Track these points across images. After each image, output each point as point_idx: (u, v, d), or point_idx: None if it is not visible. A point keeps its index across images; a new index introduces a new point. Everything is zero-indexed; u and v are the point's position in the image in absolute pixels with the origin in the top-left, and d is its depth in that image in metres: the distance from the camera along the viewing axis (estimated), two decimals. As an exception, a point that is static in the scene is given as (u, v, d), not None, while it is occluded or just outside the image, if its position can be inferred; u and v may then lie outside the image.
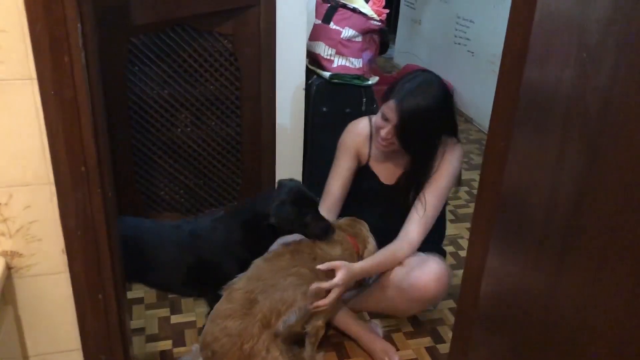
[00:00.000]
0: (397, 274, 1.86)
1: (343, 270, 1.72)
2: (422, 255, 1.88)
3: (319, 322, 1.75)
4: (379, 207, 2.00)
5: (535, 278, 1.07)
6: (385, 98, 1.79)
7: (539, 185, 1.05)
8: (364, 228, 1.93)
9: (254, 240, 1.82)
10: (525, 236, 1.11)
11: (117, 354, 1.30)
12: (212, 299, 1.75)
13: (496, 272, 1.25)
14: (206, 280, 1.83)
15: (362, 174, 2.01)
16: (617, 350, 0.86)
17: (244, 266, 1.75)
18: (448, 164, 1.89)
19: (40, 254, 1.18)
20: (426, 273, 1.79)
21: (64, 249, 1.17)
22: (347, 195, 2.02)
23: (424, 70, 1.94)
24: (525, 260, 1.12)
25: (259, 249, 1.81)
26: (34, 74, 1.04)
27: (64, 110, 1.07)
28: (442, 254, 2.04)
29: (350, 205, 2.02)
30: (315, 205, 1.82)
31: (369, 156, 1.99)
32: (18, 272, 1.18)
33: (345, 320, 2.00)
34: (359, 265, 1.81)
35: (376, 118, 1.84)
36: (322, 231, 1.79)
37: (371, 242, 1.90)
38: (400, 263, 1.87)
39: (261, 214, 1.76)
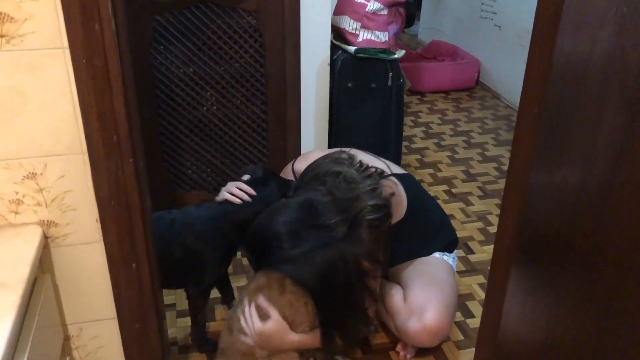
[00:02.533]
0: (398, 313, 1.77)
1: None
2: (428, 287, 1.76)
3: None
4: None
5: (570, 252, 1.06)
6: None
7: (574, 149, 1.04)
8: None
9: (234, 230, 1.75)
10: (558, 212, 1.09)
11: (151, 323, 1.32)
12: (195, 292, 1.76)
13: (526, 253, 1.24)
14: (190, 272, 1.74)
15: None
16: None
17: (225, 256, 1.77)
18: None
19: (75, 223, 1.20)
20: (422, 328, 1.69)
21: (98, 218, 1.19)
22: None
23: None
24: (560, 227, 1.10)
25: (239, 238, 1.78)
26: (65, 43, 1.05)
27: (95, 78, 1.08)
28: (450, 249, 1.99)
29: None
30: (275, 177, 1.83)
31: None
32: (54, 242, 1.20)
33: None
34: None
35: None
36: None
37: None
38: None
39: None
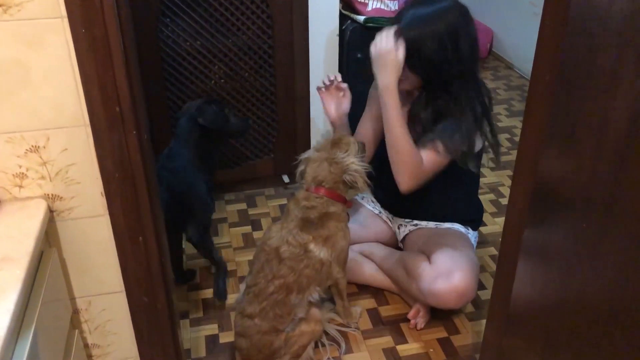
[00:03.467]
0: (423, 275, 1.76)
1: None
2: (453, 253, 1.76)
3: (338, 275, 1.71)
4: None
5: (583, 220, 1.03)
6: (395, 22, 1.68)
7: (589, 115, 0.99)
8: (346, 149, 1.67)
9: (204, 153, 1.92)
10: (571, 174, 1.06)
11: (160, 297, 1.31)
12: (195, 234, 1.85)
13: (537, 221, 1.21)
14: (184, 212, 1.83)
15: None
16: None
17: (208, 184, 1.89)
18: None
19: (80, 196, 1.18)
20: (450, 287, 1.69)
21: (103, 192, 1.17)
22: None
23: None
24: (572, 203, 1.07)
25: (213, 161, 1.98)
26: (64, 12, 1.02)
27: (96, 49, 1.05)
28: (475, 226, 1.98)
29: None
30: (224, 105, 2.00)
31: None
32: (60, 215, 1.19)
33: (372, 274, 2.00)
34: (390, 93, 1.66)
35: None
36: (242, 123, 2.04)
37: (357, 179, 1.64)
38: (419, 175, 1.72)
39: (193, 122, 1.89)
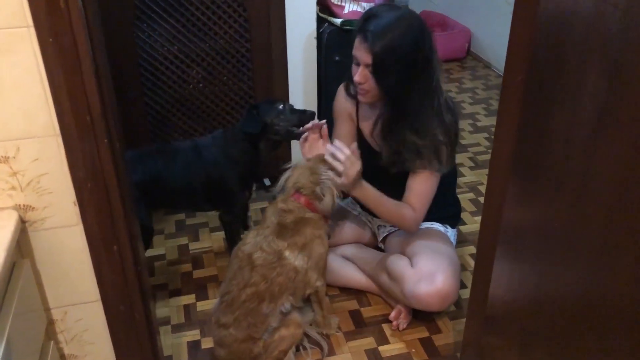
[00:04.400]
0: (406, 278, 1.75)
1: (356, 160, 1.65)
2: (434, 254, 1.77)
3: (317, 282, 1.68)
4: (373, 175, 1.78)
5: (554, 214, 1.04)
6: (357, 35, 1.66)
7: (559, 113, 1.00)
8: (319, 174, 1.65)
9: (249, 153, 1.96)
10: (544, 170, 1.07)
11: (137, 304, 1.30)
12: (225, 212, 2.05)
13: (513, 219, 1.22)
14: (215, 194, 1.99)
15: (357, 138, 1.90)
16: None
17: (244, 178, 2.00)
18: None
19: (52, 206, 1.17)
20: (433, 290, 1.69)
21: (76, 201, 1.16)
22: None
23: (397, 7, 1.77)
24: (544, 196, 1.08)
25: (257, 161, 1.99)
26: (30, 21, 1.00)
27: (64, 57, 1.03)
28: (453, 223, 2.00)
29: None
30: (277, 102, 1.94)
31: (358, 117, 1.89)
32: (32, 226, 1.17)
33: (353, 277, 1.99)
34: (368, 185, 1.72)
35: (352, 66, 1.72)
36: (299, 115, 1.92)
37: (326, 193, 1.63)
38: (404, 223, 1.79)
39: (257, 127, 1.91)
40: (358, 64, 1.66)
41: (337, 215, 2.05)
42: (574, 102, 0.95)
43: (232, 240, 2.05)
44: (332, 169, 1.63)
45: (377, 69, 1.62)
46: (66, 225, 1.19)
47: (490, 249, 1.33)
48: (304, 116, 1.91)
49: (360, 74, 1.66)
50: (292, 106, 1.95)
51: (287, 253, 1.59)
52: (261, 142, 1.94)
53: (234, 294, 1.58)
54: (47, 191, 1.15)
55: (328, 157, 1.63)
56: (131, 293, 1.28)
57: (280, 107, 1.91)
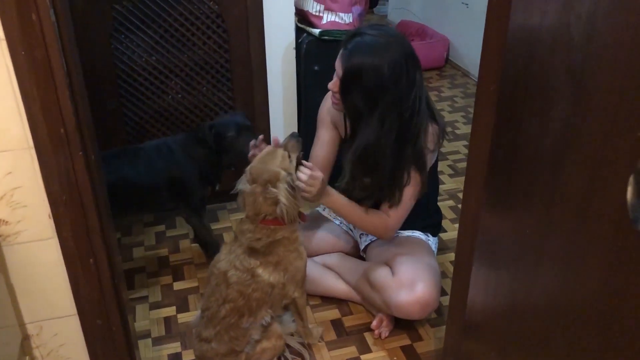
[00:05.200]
0: (386, 287, 1.76)
1: (321, 181, 1.63)
2: (415, 263, 1.77)
3: (295, 294, 1.66)
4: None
5: (526, 221, 1.05)
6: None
7: (528, 122, 1.02)
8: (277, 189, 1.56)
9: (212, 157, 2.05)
10: (516, 178, 1.08)
11: (114, 318, 1.29)
12: (190, 212, 2.12)
13: (489, 226, 1.23)
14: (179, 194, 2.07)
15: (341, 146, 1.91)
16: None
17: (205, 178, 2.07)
18: (426, 143, 1.71)
19: (26, 220, 1.15)
20: (413, 298, 1.70)
21: (50, 214, 1.15)
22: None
23: (391, 30, 1.75)
24: (517, 204, 1.10)
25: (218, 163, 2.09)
26: (1, 34, 1.00)
27: (37, 70, 1.03)
28: (434, 232, 2.01)
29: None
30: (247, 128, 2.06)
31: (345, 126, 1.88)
32: (6, 240, 1.16)
33: (335, 286, 1.99)
34: (335, 194, 1.73)
35: None
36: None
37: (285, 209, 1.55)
38: (383, 233, 1.81)
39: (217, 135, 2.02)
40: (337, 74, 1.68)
41: (318, 225, 2.05)
42: (542, 112, 0.96)
43: (205, 240, 2.18)
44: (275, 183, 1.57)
45: (343, 85, 1.64)
46: (41, 238, 1.17)
47: (467, 256, 1.34)
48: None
49: (333, 83, 1.69)
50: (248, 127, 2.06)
51: (260, 270, 1.57)
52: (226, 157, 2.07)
53: (214, 310, 1.57)
54: (20, 205, 1.14)
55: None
56: (108, 307, 1.26)
57: (232, 134, 2.02)
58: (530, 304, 1.06)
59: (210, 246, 2.20)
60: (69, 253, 1.18)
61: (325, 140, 1.91)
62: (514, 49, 1.06)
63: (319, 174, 1.62)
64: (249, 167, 1.60)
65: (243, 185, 1.60)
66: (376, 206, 1.80)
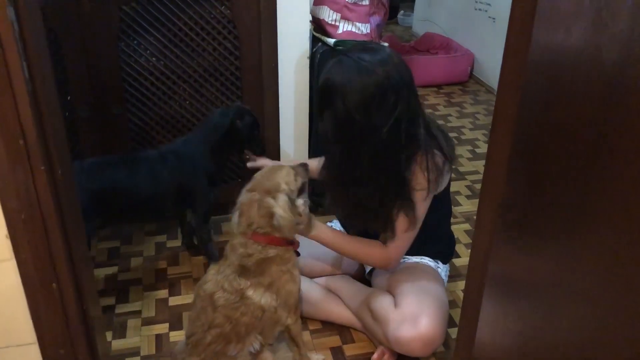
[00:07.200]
0: (388, 319, 1.59)
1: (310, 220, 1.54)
2: (420, 295, 1.60)
3: (288, 321, 1.51)
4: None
5: (541, 261, 0.89)
6: None
7: (551, 148, 0.85)
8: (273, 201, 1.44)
9: (217, 153, 1.96)
10: (532, 214, 0.91)
11: (80, 347, 1.14)
12: (194, 219, 2.05)
13: (501, 262, 1.06)
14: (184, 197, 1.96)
15: None
16: None
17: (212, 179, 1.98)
18: (416, 177, 1.51)
19: (-19, 239, 1.02)
20: (416, 334, 1.52)
21: (7, 234, 1.01)
22: None
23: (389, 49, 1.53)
24: (532, 243, 0.94)
25: (223, 161, 2.04)
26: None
27: (-9, 75, 0.89)
28: (445, 259, 1.82)
29: None
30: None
31: None
32: (-41, 260, 1.03)
33: (338, 312, 1.82)
34: (323, 227, 1.60)
35: None
36: (261, 146, 2.02)
37: (277, 212, 1.41)
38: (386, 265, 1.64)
39: (223, 122, 1.93)
40: None
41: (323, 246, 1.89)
42: (567, 138, 0.80)
43: (205, 244, 2.07)
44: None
45: (316, 102, 1.53)
46: (-3, 260, 1.04)
47: (477, 292, 1.17)
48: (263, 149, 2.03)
49: None
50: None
51: (250, 292, 1.41)
52: (234, 145, 1.98)
53: (199, 336, 1.42)
54: (-26, 222, 1.00)
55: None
56: (73, 335, 1.12)
57: (249, 117, 1.98)
58: (545, 345, 0.89)
59: (207, 253, 2.10)
60: (28, 276, 1.04)
61: None
62: (536, 69, 0.90)
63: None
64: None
65: (242, 195, 1.48)
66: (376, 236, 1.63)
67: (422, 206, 1.54)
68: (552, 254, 0.87)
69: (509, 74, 1.00)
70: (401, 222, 1.54)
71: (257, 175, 1.51)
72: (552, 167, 0.86)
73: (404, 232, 1.55)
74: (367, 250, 1.61)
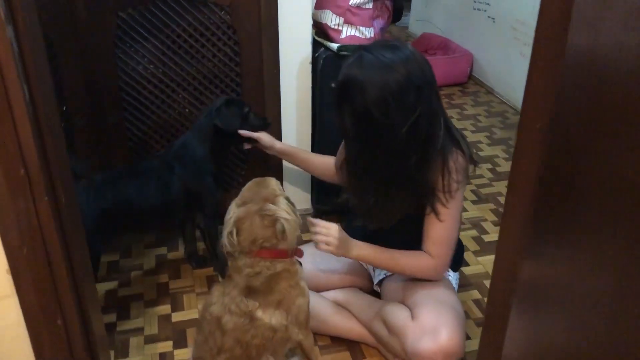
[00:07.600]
0: (407, 332, 1.52)
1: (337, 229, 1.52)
2: (437, 305, 1.54)
3: (299, 337, 1.44)
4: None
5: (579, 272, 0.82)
6: None
7: (589, 169, 0.78)
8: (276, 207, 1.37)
9: (216, 151, 1.92)
10: (572, 230, 0.85)
11: (87, 386, 1.07)
12: (203, 221, 2.01)
13: (531, 275, 0.99)
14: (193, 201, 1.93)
15: None
16: None
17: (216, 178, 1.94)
18: (443, 179, 1.49)
19: (-20, 275, 0.94)
20: (437, 347, 1.46)
21: (9, 269, 0.93)
22: None
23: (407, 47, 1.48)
24: (569, 254, 0.86)
25: (224, 159, 2.04)
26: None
27: (-11, 100, 0.81)
28: (455, 267, 1.78)
29: None
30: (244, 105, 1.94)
31: None
32: (-44, 298, 0.95)
33: (348, 326, 1.76)
34: (362, 244, 1.56)
35: None
36: (259, 122, 1.95)
37: (283, 217, 1.35)
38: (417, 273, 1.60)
39: (210, 121, 1.87)
40: None
41: (328, 256, 1.82)
42: (613, 155, 0.73)
43: (214, 246, 2.03)
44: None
45: (334, 97, 1.47)
46: (-2, 296, 0.96)
47: (503, 308, 1.10)
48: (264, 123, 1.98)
49: None
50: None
51: (259, 313, 1.34)
52: (231, 138, 1.94)
53: None
54: (-27, 258, 0.92)
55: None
56: (80, 373, 1.04)
57: (246, 110, 1.93)
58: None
59: (214, 259, 2.08)
60: (32, 313, 0.96)
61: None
62: (572, 78, 0.82)
63: (332, 224, 1.47)
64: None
65: (233, 211, 1.38)
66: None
67: (454, 207, 1.52)
68: (596, 263, 0.81)
69: (535, 86, 0.92)
70: (436, 227, 1.53)
71: (245, 189, 1.43)
72: (593, 183, 0.79)
73: (442, 237, 1.54)
74: (415, 262, 1.57)
